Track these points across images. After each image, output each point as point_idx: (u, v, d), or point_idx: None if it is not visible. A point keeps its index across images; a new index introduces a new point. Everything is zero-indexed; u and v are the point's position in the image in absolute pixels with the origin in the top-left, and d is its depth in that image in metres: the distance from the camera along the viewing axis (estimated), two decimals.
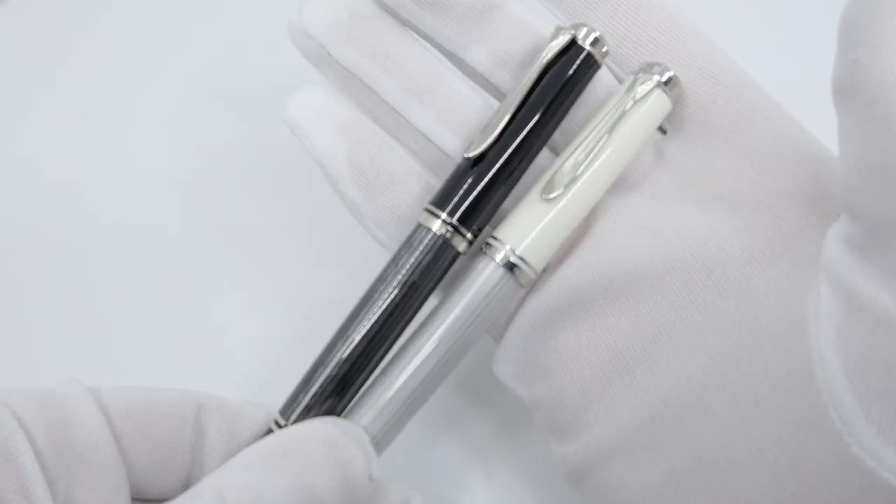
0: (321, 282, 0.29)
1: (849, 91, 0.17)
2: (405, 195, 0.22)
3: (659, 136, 0.23)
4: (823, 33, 0.19)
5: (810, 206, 0.20)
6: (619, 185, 0.22)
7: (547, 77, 0.21)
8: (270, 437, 0.19)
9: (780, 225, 0.20)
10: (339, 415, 0.21)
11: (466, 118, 0.22)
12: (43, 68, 0.33)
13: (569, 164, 0.21)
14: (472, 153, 0.21)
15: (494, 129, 0.21)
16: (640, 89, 0.21)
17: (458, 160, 0.22)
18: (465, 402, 0.27)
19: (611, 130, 0.21)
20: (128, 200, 0.30)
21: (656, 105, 0.21)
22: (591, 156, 0.21)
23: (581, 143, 0.21)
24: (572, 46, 0.21)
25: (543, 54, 0.21)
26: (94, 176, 0.31)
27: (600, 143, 0.21)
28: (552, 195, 0.21)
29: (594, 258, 0.21)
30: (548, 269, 0.22)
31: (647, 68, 0.21)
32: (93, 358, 0.28)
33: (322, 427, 0.19)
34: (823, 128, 0.20)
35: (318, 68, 0.23)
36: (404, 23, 0.23)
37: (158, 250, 0.29)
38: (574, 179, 0.21)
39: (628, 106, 0.21)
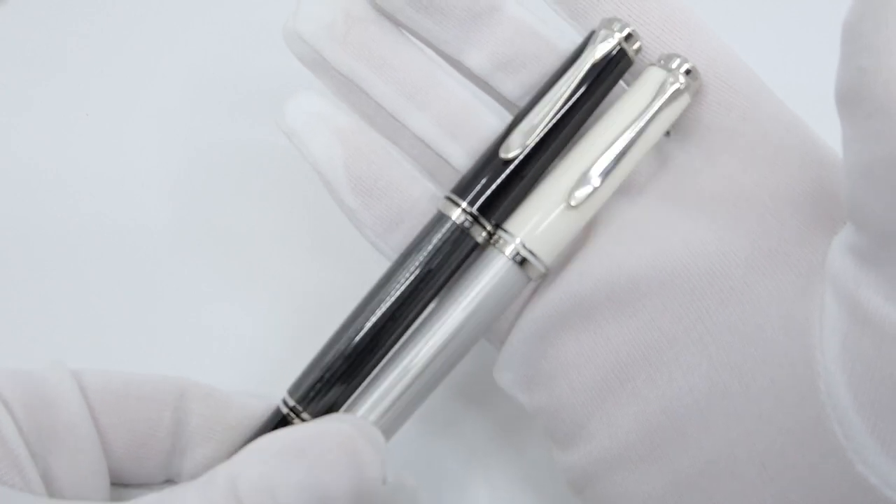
0: (319, 284, 0.29)
1: (853, 99, 0.16)
2: (404, 202, 0.22)
3: (662, 138, 0.22)
4: (831, 36, 0.18)
5: (816, 212, 0.20)
6: (622, 189, 0.22)
7: (587, 78, 0.21)
8: (286, 432, 0.18)
9: (785, 231, 0.20)
10: (345, 401, 0.21)
11: (465, 123, 0.22)
12: (43, 68, 0.33)
13: (596, 169, 0.20)
14: (511, 154, 0.21)
15: (535, 131, 0.21)
16: (672, 89, 0.20)
17: (458, 166, 0.22)
18: (464, 406, 0.27)
19: (641, 133, 0.20)
20: (128, 201, 0.30)
21: (678, 102, 0.21)
22: (621, 162, 0.21)
23: (610, 147, 0.20)
24: (615, 49, 0.21)
25: (586, 57, 0.21)
26: (95, 176, 0.31)
27: (631, 148, 0.20)
28: (579, 202, 0.20)
29: (596, 265, 0.21)
30: (549, 276, 0.22)
31: (667, 60, 0.21)
32: (88, 357, 0.27)
33: (340, 427, 0.18)
34: (830, 133, 0.19)
35: (315, 73, 0.22)
36: (401, 27, 0.22)
37: (157, 251, 0.29)
38: (600, 185, 0.21)
39: (658, 106, 0.20)
